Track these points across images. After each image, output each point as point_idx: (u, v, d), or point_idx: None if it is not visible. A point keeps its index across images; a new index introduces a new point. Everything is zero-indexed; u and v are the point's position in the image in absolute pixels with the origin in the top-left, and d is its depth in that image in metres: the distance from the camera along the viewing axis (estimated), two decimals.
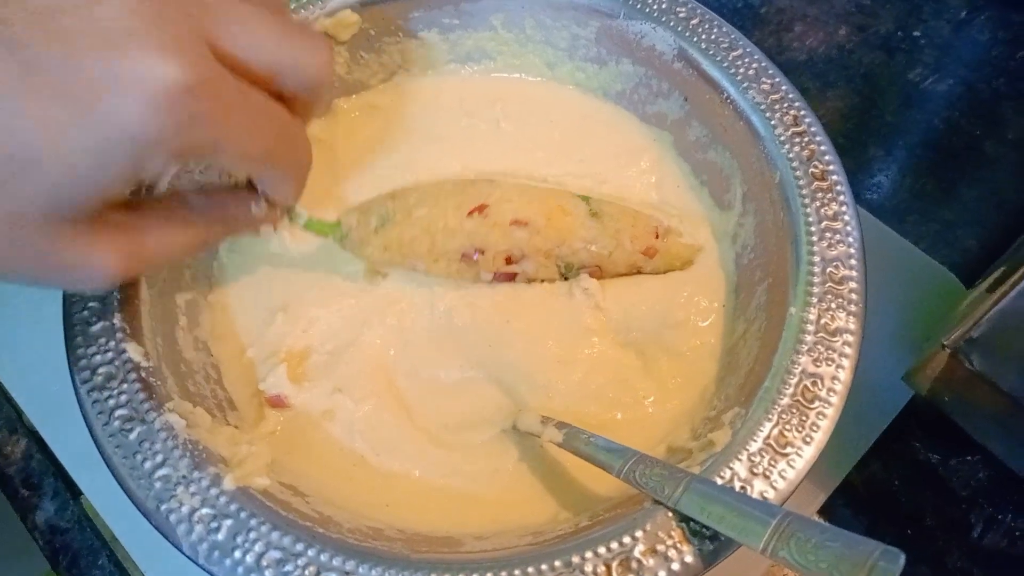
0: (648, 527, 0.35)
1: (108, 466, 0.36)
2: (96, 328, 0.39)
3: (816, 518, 0.48)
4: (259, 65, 0.33)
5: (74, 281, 0.35)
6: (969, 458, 0.49)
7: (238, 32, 0.32)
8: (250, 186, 0.39)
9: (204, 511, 0.35)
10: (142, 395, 0.38)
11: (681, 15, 0.50)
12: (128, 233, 0.34)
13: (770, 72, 0.47)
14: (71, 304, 0.40)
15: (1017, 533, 0.47)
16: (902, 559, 0.27)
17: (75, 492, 0.50)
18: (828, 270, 0.41)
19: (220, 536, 0.35)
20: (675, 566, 0.34)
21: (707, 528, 0.34)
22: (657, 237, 0.47)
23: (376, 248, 0.45)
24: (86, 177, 0.29)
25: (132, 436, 0.37)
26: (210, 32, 0.31)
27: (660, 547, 0.34)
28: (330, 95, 0.54)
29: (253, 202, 0.39)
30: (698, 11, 0.50)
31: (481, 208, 0.44)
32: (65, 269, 0.32)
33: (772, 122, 0.46)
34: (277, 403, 0.44)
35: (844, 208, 0.43)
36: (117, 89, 0.28)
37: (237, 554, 0.34)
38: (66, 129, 0.28)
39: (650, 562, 0.34)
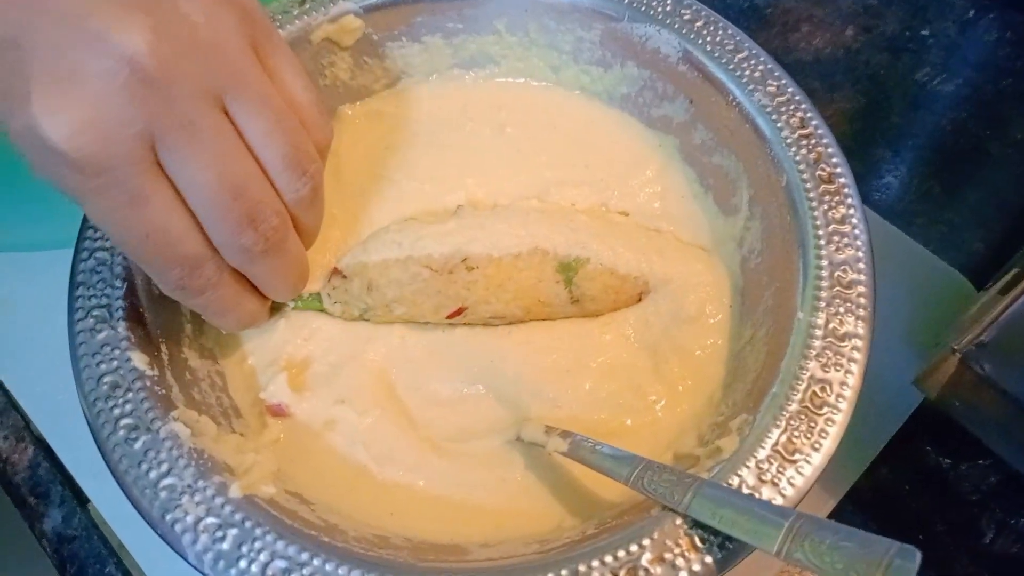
0: (655, 535, 0.34)
1: (114, 476, 0.36)
2: (101, 337, 0.39)
3: None
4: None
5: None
6: (980, 463, 0.49)
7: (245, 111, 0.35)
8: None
9: (209, 520, 0.35)
10: (147, 404, 0.38)
11: (686, 17, 0.49)
12: None
13: (776, 74, 0.47)
14: (75, 312, 0.40)
15: None
16: (918, 556, 0.27)
17: (82, 500, 0.50)
18: (836, 274, 0.40)
19: (225, 545, 0.34)
20: (683, 574, 0.33)
21: (716, 535, 0.34)
22: (640, 299, 0.47)
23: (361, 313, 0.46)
24: None
25: (137, 445, 0.37)
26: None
27: (668, 555, 0.34)
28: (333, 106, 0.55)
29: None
30: (703, 13, 0.50)
31: (460, 311, 0.45)
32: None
33: (778, 124, 0.45)
34: (278, 412, 0.44)
35: (852, 211, 0.42)
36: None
37: (242, 563, 0.34)
38: None
39: (657, 570, 0.33)
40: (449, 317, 0.45)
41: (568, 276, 0.45)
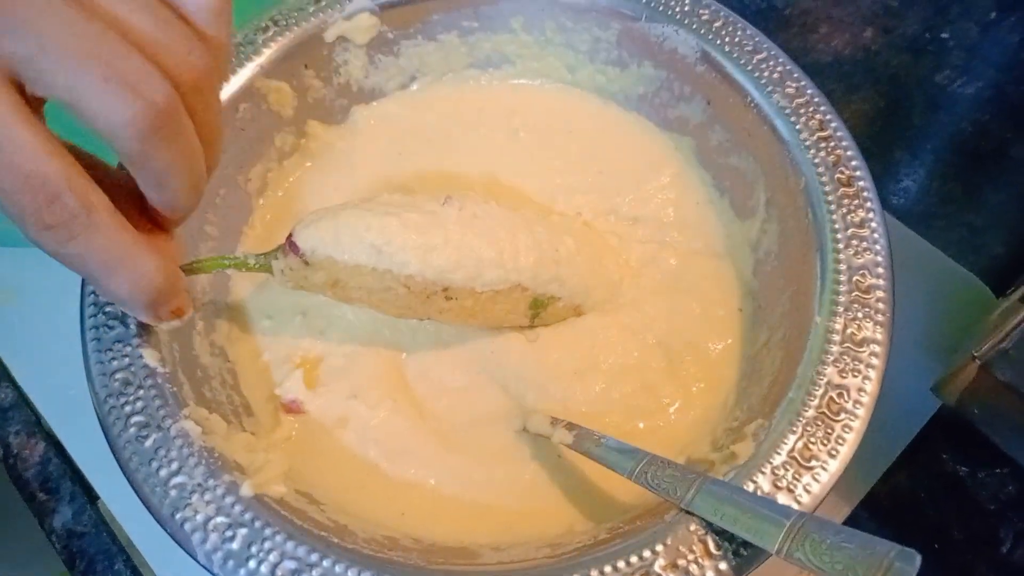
0: (669, 541, 0.34)
1: (124, 473, 0.36)
2: (113, 334, 0.39)
3: None
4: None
5: None
6: (998, 471, 0.48)
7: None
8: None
9: (219, 520, 0.35)
10: (158, 401, 0.38)
11: (704, 17, 0.49)
12: None
13: (795, 75, 0.46)
14: (88, 309, 0.40)
15: None
16: (918, 559, 0.27)
17: (92, 496, 0.50)
18: (855, 279, 0.40)
19: (235, 545, 0.34)
20: None
21: (731, 541, 0.34)
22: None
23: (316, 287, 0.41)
24: None
25: (148, 443, 0.36)
26: None
27: (681, 561, 0.33)
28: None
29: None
30: (721, 13, 0.49)
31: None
32: None
33: (797, 126, 0.45)
34: (293, 408, 0.44)
35: (871, 215, 0.42)
36: None
37: (252, 564, 0.34)
38: None
39: None
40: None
41: (536, 311, 0.45)
